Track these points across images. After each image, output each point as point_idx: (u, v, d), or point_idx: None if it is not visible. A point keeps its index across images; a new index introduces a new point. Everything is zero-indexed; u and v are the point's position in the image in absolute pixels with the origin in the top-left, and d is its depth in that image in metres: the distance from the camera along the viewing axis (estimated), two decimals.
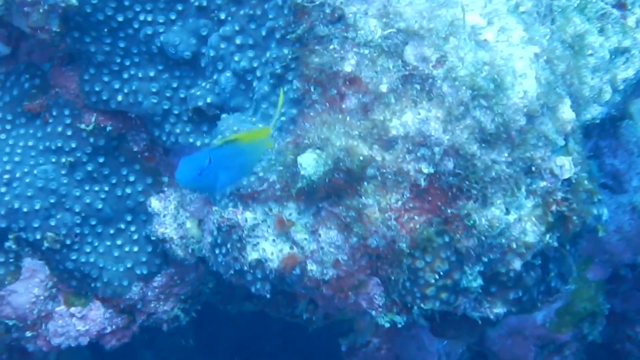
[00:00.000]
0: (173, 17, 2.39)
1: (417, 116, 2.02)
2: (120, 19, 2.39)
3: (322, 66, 2.09)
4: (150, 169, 2.58)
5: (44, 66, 2.53)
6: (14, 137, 2.52)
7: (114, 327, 2.65)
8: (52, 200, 2.47)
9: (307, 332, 3.26)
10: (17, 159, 2.49)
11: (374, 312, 2.21)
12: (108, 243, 2.56)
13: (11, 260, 2.52)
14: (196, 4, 2.36)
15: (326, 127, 2.07)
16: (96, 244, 2.55)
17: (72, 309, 2.60)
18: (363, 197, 2.07)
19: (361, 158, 2.03)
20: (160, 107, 2.43)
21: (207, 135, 2.40)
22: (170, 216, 2.54)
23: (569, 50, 2.35)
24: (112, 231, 2.57)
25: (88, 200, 2.51)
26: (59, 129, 2.50)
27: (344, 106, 2.09)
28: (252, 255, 2.20)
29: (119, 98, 2.45)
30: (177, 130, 2.43)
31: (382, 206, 2.05)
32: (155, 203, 2.56)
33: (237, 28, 2.29)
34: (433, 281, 2.10)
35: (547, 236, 2.11)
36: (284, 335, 4.57)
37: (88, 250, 2.53)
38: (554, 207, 2.10)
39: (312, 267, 2.16)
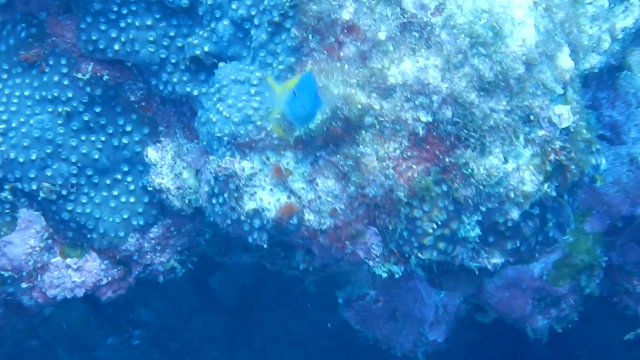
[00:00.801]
0: None
1: (416, 64, 2.01)
2: None
3: (320, 14, 2.07)
4: (147, 119, 2.56)
5: (41, 15, 2.49)
6: (10, 87, 2.50)
7: (109, 278, 2.65)
8: (48, 150, 2.46)
9: (303, 284, 3.27)
10: (13, 108, 2.47)
11: (371, 262, 2.22)
12: (104, 194, 2.55)
13: (7, 211, 2.51)
14: None
15: (324, 76, 2.06)
16: (92, 194, 2.54)
17: (68, 260, 2.59)
18: (361, 146, 2.06)
19: (359, 106, 2.02)
20: (158, 56, 2.41)
21: (204, 84, 2.38)
22: (167, 166, 2.53)
23: None
24: (108, 182, 2.56)
25: (84, 151, 2.50)
26: (56, 78, 2.48)
27: (342, 54, 2.08)
28: (249, 205, 2.20)
29: (116, 47, 2.42)
30: (175, 80, 2.41)
31: (380, 155, 2.05)
32: (152, 153, 2.55)
33: None
34: (431, 231, 2.11)
35: (546, 185, 2.11)
36: (281, 289, 4.61)
37: (84, 200, 2.52)
38: (552, 156, 2.10)
39: (309, 216, 2.16)
